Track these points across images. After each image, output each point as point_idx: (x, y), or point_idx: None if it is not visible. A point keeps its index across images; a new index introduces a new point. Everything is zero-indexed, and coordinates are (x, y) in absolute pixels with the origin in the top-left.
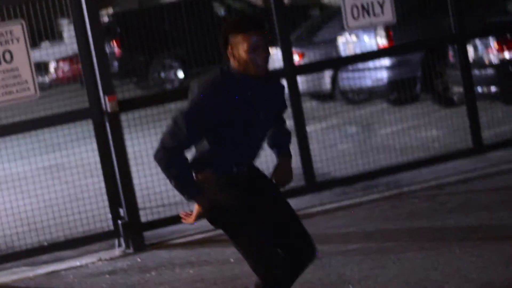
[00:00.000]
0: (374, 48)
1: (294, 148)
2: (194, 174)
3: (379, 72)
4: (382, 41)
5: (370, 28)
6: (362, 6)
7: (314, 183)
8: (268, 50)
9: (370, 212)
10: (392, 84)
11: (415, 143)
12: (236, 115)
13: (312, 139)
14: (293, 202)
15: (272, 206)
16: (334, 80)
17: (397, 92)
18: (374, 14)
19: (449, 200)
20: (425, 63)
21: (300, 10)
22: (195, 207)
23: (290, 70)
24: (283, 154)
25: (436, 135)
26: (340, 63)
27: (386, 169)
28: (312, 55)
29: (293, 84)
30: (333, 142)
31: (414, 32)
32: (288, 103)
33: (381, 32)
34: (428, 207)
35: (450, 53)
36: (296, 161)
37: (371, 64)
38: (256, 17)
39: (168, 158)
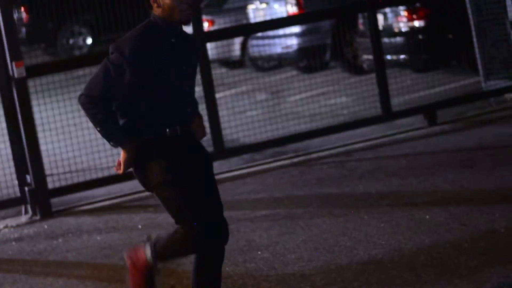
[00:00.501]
0: (285, 15)
1: (203, 115)
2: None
3: (289, 39)
4: (292, 9)
5: None
6: None
7: (223, 149)
8: None
9: (279, 178)
10: (302, 51)
11: (324, 110)
12: (161, 63)
13: (222, 106)
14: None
15: (203, 174)
16: (243, 47)
17: (307, 59)
18: None
19: (359, 167)
20: (335, 30)
21: None
22: (121, 155)
23: (199, 36)
24: (197, 114)
25: (346, 102)
26: (250, 30)
27: (295, 136)
28: (222, 22)
29: (202, 51)
30: (242, 109)
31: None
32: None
33: (292, 0)
34: (337, 173)
35: (360, 21)
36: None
37: (281, 31)
38: None
39: (93, 103)
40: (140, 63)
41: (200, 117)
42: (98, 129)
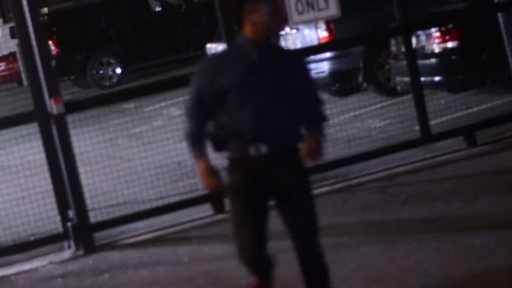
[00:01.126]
0: (315, 40)
1: None
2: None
3: (320, 64)
4: (323, 34)
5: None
6: (307, 1)
7: None
8: (284, 11)
9: (322, 206)
10: (334, 75)
11: (362, 134)
12: (240, 79)
13: None
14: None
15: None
16: None
17: (339, 83)
18: (319, 9)
19: (401, 191)
20: (367, 54)
21: None
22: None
23: None
24: (310, 131)
25: (383, 125)
26: None
27: (335, 162)
28: None
29: None
30: None
31: (355, 24)
32: None
33: (322, 25)
34: (380, 199)
35: (392, 43)
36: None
37: (312, 56)
38: None
39: (187, 118)
40: (215, 80)
41: (315, 135)
42: (186, 141)
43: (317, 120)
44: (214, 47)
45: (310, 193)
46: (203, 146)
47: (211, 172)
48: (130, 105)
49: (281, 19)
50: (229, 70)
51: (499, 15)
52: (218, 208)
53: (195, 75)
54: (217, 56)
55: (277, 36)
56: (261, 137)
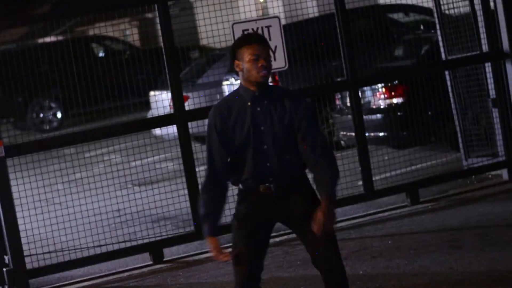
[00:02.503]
0: None
1: (183, 192)
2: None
3: None
4: None
5: None
6: None
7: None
8: (268, 59)
9: None
10: None
11: None
12: (238, 127)
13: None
14: (181, 249)
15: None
16: None
17: None
18: None
19: (344, 247)
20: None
21: (182, 52)
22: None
23: (180, 116)
24: (322, 196)
25: None
26: None
27: None
28: (197, 98)
29: (184, 130)
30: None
31: (300, 76)
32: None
33: None
34: None
35: (337, 97)
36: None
37: None
38: (258, 34)
39: (203, 183)
40: (221, 133)
41: (326, 201)
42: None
43: (327, 178)
44: (158, 95)
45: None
46: (214, 223)
47: (220, 249)
48: (70, 150)
49: (261, 67)
50: (230, 119)
51: (446, 73)
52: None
53: (208, 129)
54: (220, 106)
55: (263, 82)
56: (267, 178)
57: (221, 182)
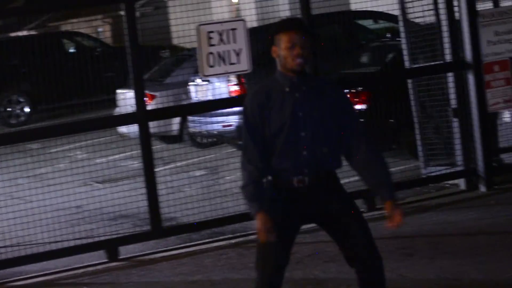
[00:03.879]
0: (226, 93)
1: (142, 191)
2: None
3: (230, 117)
4: (234, 87)
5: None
6: (219, 54)
7: (160, 228)
8: (305, 48)
9: (216, 260)
10: (241, 129)
11: None
12: (276, 113)
13: (160, 183)
14: (138, 247)
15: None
16: (182, 123)
17: None
18: (230, 63)
19: (297, 250)
20: None
21: (151, 51)
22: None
23: (142, 115)
24: (383, 196)
25: None
26: (193, 109)
27: (234, 217)
28: (163, 98)
29: (144, 130)
30: (180, 185)
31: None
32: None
33: (233, 79)
34: None
35: None
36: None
37: (221, 109)
38: (298, 20)
39: (241, 163)
40: (257, 117)
41: (389, 200)
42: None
43: (382, 174)
44: (124, 93)
45: (360, 215)
46: (261, 198)
47: (269, 229)
48: (35, 145)
49: (297, 55)
50: (268, 104)
51: (409, 81)
52: None
53: (244, 113)
54: (257, 91)
55: (298, 70)
56: (301, 169)
57: (259, 166)
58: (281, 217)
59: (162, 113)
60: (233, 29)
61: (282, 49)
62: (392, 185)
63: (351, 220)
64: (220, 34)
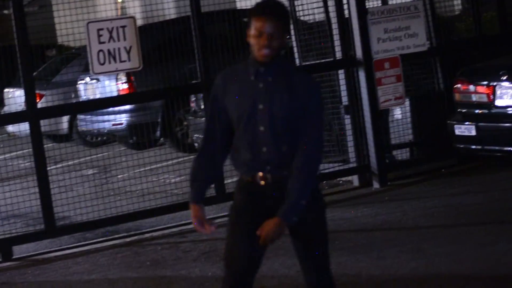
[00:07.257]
0: (115, 91)
1: (34, 190)
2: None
3: (118, 116)
4: (122, 86)
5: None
6: (109, 52)
7: (54, 227)
8: (274, 37)
9: (112, 258)
10: (132, 128)
11: (156, 189)
12: (237, 101)
13: (52, 182)
14: (31, 246)
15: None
16: (71, 121)
17: (136, 136)
18: (121, 60)
19: (193, 248)
20: (165, 108)
21: (36, 50)
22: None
23: (32, 113)
24: (279, 211)
25: (178, 181)
26: (86, 107)
27: (127, 215)
28: (51, 96)
29: (35, 128)
30: (73, 184)
31: (156, 78)
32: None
33: (122, 77)
34: (172, 255)
35: (192, 100)
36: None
37: (110, 107)
38: (274, 4)
39: (198, 149)
40: (220, 103)
41: (277, 217)
42: None
43: (294, 191)
44: (12, 91)
45: (322, 224)
46: (200, 190)
47: (203, 220)
48: None
49: (263, 46)
50: (232, 90)
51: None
52: None
53: (210, 95)
54: (225, 73)
55: (262, 61)
56: (263, 165)
57: (216, 152)
58: (249, 214)
59: (54, 111)
60: (123, 27)
61: (250, 36)
62: (294, 207)
63: (311, 229)
64: (110, 31)
